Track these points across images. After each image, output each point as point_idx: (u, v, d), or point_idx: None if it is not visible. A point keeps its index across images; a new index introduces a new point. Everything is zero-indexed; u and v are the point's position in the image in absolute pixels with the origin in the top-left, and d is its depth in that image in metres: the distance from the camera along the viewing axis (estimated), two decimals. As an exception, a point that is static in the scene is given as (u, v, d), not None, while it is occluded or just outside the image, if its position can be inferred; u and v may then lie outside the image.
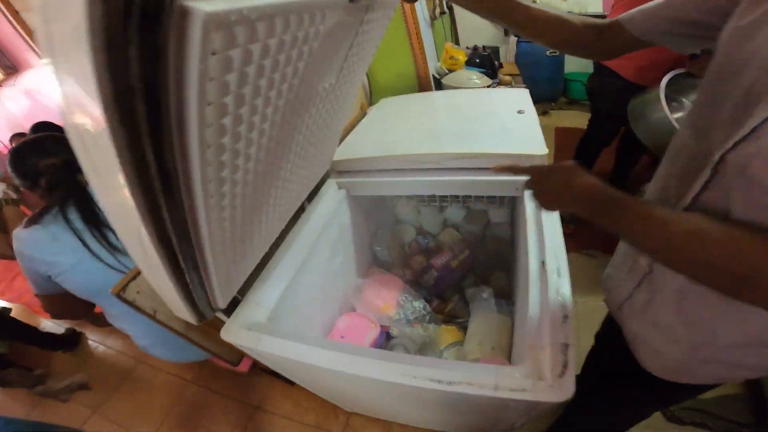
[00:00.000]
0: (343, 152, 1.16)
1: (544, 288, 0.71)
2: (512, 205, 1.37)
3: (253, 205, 0.65)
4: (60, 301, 1.05)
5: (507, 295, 1.22)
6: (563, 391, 0.55)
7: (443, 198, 1.20)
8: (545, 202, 0.60)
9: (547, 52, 2.93)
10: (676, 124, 1.23)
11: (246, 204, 0.60)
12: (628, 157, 2.09)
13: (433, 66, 1.87)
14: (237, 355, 1.14)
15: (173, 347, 1.14)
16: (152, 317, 0.80)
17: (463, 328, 1.15)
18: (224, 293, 0.71)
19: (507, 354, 0.94)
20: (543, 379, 0.58)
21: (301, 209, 1.09)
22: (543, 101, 3.21)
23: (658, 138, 1.30)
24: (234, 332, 0.76)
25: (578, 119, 2.94)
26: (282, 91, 0.53)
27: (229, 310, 0.79)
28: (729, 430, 1.12)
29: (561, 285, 0.69)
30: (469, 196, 1.12)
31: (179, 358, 1.20)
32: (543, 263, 0.76)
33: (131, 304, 0.77)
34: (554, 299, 0.67)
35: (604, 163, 2.08)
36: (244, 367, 1.39)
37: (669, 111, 1.25)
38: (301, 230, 0.98)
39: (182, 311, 0.65)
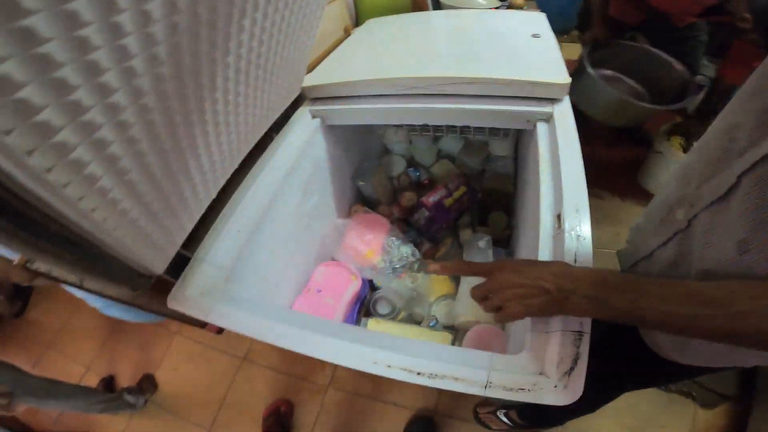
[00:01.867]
0: (318, 77, 0.96)
1: (559, 252, 0.56)
2: (517, 137, 1.17)
3: (167, 151, 0.46)
4: None
5: (506, 241, 1.10)
6: (570, 392, 0.44)
7: (437, 128, 1.00)
8: (515, 299, 0.45)
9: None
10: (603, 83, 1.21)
11: (150, 155, 0.42)
12: None
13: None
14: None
15: (128, 309, 1.03)
16: (80, 287, 0.66)
17: (455, 277, 1.04)
18: (156, 258, 0.57)
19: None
20: (546, 374, 0.46)
21: (270, 139, 0.90)
22: (554, 32, 2.85)
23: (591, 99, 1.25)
24: (181, 300, 0.63)
25: None
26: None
27: (179, 270, 0.65)
28: (712, 400, 1.11)
29: (581, 251, 0.54)
30: (468, 127, 0.93)
31: (139, 319, 1.11)
32: (558, 218, 0.61)
33: (47, 275, 0.62)
34: (571, 270, 0.53)
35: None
36: (213, 328, 1.32)
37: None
38: (263, 169, 0.80)
39: (106, 286, 0.52)
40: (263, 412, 1.27)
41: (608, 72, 1.40)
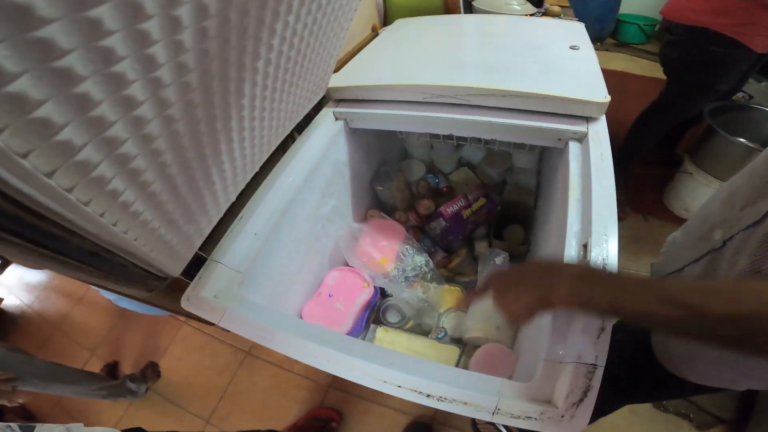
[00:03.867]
0: (343, 78, 0.94)
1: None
2: (542, 150, 1.14)
3: (189, 160, 0.45)
4: None
5: (523, 257, 1.07)
6: (576, 424, 0.43)
7: (461, 137, 0.98)
8: (531, 295, 0.43)
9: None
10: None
11: (173, 165, 0.41)
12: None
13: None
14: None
15: (140, 303, 1.04)
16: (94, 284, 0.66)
17: (467, 288, 1.02)
18: (174, 262, 0.56)
19: (513, 333, 0.81)
20: (555, 404, 0.46)
21: (291, 139, 0.89)
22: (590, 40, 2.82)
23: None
24: (195, 301, 0.63)
25: (625, 63, 2.71)
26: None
27: (194, 269, 0.65)
28: (708, 422, 1.09)
29: (608, 288, 0.52)
30: (494, 139, 0.90)
31: (151, 312, 1.11)
32: (585, 247, 0.58)
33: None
34: (595, 306, 0.51)
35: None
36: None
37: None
38: (284, 171, 0.79)
39: (121, 287, 0.52)
40: (311, 413, 1.25)
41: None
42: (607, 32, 2.96)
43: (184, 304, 0.62)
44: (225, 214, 0.69)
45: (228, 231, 0.70)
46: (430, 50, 1.07)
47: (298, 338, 0.56)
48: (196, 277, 0.65)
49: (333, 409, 1.25)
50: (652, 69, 2.58)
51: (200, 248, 0.65)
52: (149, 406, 1.37)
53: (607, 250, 0.56)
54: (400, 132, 1.21)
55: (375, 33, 1.36)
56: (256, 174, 0.75)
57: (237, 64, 0.46)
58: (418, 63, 1.00)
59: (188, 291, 0.63)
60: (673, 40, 1.33)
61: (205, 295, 0.62)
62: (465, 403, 0.47)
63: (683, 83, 1.40)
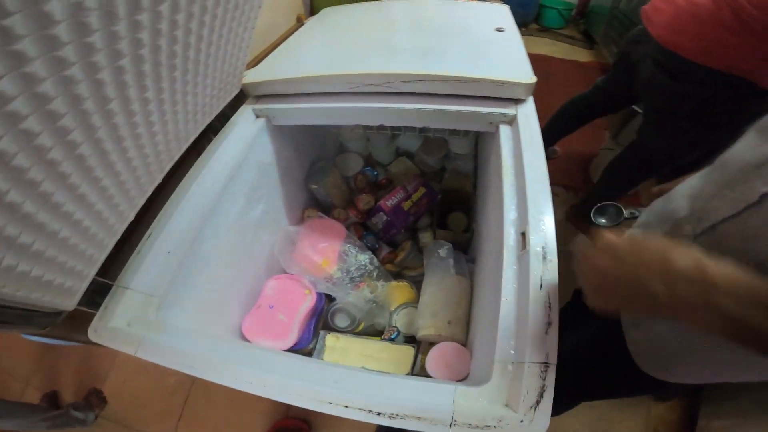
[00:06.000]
0: (262, 72, 0.87)
1: (523, 274, 0.53)
2: (477, 136, 1.14)
3: (64, 175, 0.36)
4: None
5: (467, 244, 1.07)
6: (536, 427, 0.41)
7: (395, 126, 0.94)
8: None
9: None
10: None
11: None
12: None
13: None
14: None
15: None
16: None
17: (416, 282, 0.99)
18: (60, 295, 0.47)
19: (465, 325, 0.80)
20: (512, 408, 0.44)
21: (208, 142, 0.79)
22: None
23: None
24: (103, 332, 0.54)
25: (549, 48, 2.82)
26: None
27: (100, 299, 0.57)
28: (665, 394, 1.13)
29: (547, 276, 0.51)
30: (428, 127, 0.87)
31: (64, 343, 0.97)
32: (523, 236, 0.57)
33: None
34: (536, 295, 0.49)
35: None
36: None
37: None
38: (196, 178, 0.70)
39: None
40: (278, 424, 1.20)
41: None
42: (530, 18, 3.08)
43: (92, 336, 0.54)
44: (131, 234, 0.59)
45: (135, 252, 0.61)
46: (356, 39, 1.02)
47: (228, 363, 0.50)
48: (102, 307, 0.56)
49: (300, 419, 1.19)
50: (571, 52, 2.75)
51: (103, 275, 0.56)
52: (107, 434, 1.25)
53: (545, 237, 0.55)
54: (333, 125, 1.14)
55: (300, 23, 1.27)
56: (166, 184, 0.66)
57: (109, 50, 0.38)
58: (344, 52, 0.95)
59: (94, 322, 0.55)
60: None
61: (115, 325, 0.55)
62: (419, 418, 0.44)
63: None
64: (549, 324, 0.47)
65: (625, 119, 1.63)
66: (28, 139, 0.30)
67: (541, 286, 0.50)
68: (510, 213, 0.61)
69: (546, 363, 0.45)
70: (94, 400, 1.30)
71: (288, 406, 1.22)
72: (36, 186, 0.32)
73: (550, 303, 0.49)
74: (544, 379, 0.44)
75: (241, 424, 1.23)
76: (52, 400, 1.36)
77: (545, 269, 0.51)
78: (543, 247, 0.54)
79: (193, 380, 1.32)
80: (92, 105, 0.37)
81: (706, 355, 0.48)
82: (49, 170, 0.33)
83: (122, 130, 0.43)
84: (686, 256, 0.34)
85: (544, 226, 0.56)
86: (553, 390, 0.44)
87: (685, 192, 0.51)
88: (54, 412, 1.20)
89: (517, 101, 0.77)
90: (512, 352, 0.48)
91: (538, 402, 0.43)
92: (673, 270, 0.34)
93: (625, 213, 0.79)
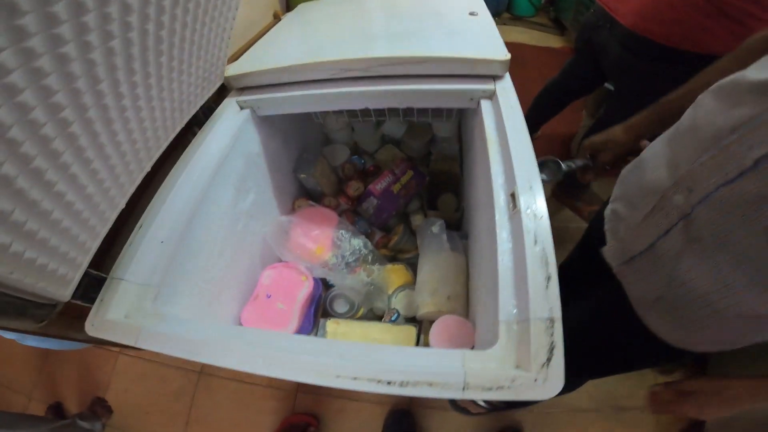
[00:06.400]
0: (244, 65, 0.88)
1: (517, 232, 0.54)
2: (459, 118, 1.16)
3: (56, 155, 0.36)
4: None
5: (458, 223, 1.08)
6: (551, 385, 0.41)
7: (379, 112, 0.95)
8: None
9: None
10: None
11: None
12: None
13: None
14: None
15: (49, 339, 0.88)
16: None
17: (411, 264, 1.01)
18: (54, 284, 0.46)
19: (464, 301, 0.81)
20: (524, 368, 0.43)
21: (193, 135, 0.79)
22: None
23: None
24: (101, 325, 0.54)
25: (522, 36, 2.87)
26: None
27: (95, 292, 0.56)
28: (670, 367, 1.16)
29: (540, 232, 0.52)
30: (411, 109, 0.89)
31: (63, 347, 0.96)
32: (513, 197, 0.59)
33: None
34: (532, 252, 0.51)
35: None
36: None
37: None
38: (184, 169, 0.70)
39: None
40: (286, 421, 1.19)
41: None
42: (502, 7, 3.13)
43: (89, 330, 0.53)
44: (121, 226, 0.59)
45: (127, 243, 0.61)
46: (335, 29, 1.03)
47: (231, 344, 0.50)
48: (98, 300, 0.56)
49: (308, 414, 1.19)
50: (544, 39, 2.81)
51: (97, 268, 0.56)
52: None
53: (534, 196, 0.57)
54: (317, 116, 1.15)
55: (278, 19, 1.27)
56: (152, 178, 0.66)
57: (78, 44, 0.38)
58: (323, 42, 0.96)
59: (91, 316, 0.54)
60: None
61: (112, 317, 0.54)
62: (430, 384, 0.43)
63: None
64: (548, 278, 0.48)
65: (601, 99, 1.68)
66: (23, 113, 0.30)
67: (535, 241, 0.52)
68: (498, 178, 0.63)
69: (551, 318, 0.45)
70: (99, 409, 1.29)
71: (294, 403, 1.22)
72: (30, 160, 0.33)
73: (547, 257, 0.50)
74: (551, 335, 0.44)
75: (249, 424, 1.23)
76: (57, 411, 1.35)
77: (538, 225, 0.53)
78: (534, 207, 0.55)
79: (196, 384, 1.31)
80: (84, 84, 0.37)
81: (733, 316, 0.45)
82: (42, 146, 0.34)
83: (111, 112, 0.44)
84: None
85: (532, 186, 0.57)
86: (562, 347, 0.43)
87: (659, 161, 0.52)
88: (60, 422, 1.18)
89: (495, 77, 0.79)
90: (515, 310, 0.48)
91: (549, 359, 0.42)
92: None
93: (563, 166, 0.81)
